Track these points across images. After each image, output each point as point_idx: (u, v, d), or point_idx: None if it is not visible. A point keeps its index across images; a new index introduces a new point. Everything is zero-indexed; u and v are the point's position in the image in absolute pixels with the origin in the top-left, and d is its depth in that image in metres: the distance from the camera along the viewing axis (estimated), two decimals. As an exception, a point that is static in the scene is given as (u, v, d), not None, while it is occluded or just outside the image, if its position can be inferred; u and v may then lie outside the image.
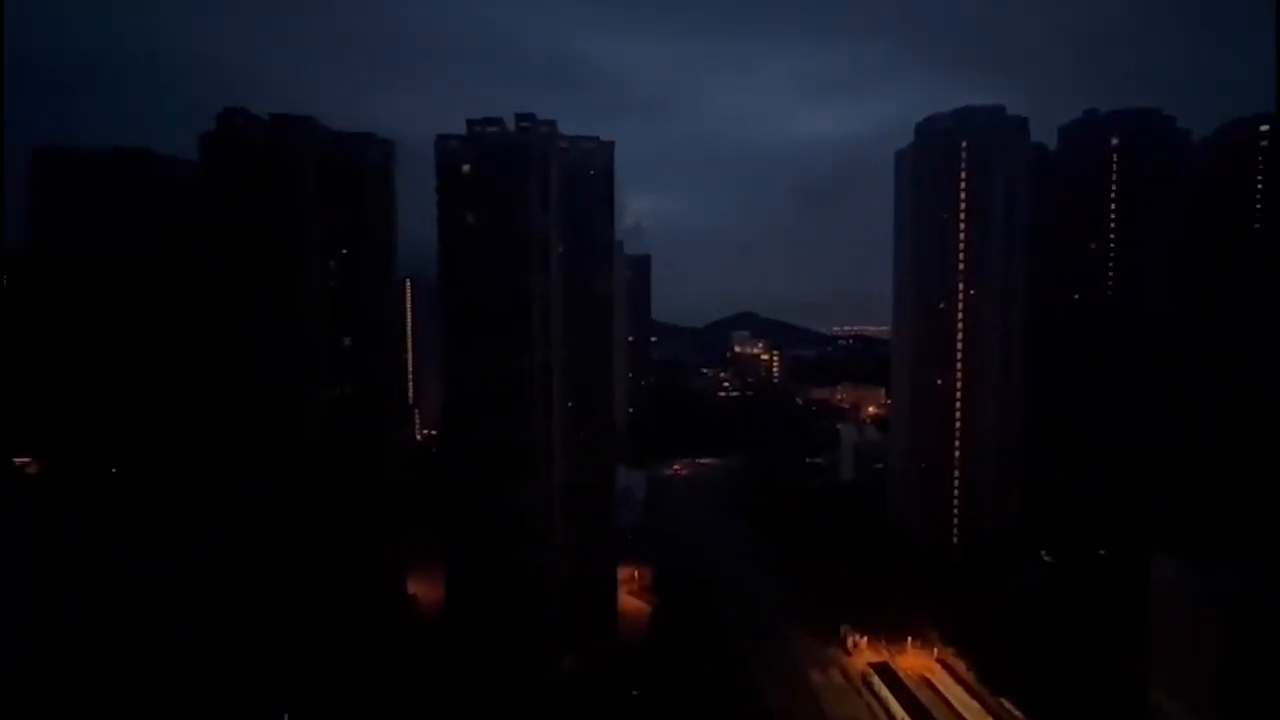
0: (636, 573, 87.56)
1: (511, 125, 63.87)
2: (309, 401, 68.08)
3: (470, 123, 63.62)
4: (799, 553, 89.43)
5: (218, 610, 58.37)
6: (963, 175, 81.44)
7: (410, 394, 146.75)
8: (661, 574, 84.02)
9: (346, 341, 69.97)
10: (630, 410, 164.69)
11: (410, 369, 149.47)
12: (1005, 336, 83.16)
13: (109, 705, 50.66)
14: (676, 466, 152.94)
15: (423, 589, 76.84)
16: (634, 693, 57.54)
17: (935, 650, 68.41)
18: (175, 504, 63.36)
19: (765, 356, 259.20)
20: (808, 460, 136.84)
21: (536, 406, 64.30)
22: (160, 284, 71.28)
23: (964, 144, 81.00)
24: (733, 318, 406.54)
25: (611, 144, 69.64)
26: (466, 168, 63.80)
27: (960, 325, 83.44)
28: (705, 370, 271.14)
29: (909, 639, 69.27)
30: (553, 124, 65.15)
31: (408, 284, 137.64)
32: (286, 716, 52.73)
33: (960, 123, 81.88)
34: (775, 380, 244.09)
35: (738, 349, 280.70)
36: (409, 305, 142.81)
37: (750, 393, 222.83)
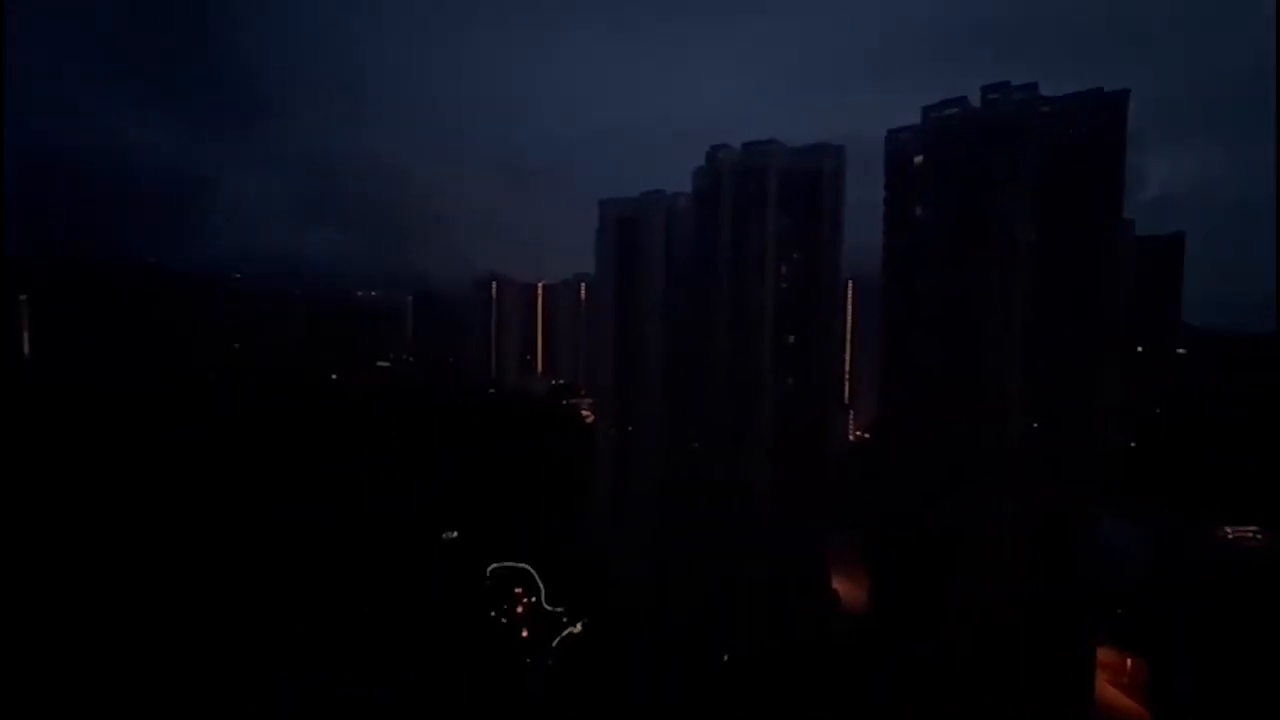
0: (1130, 662, 65.95)
1: (977, 101, 56.97)
2: (762, 393, 77.00)
3: (926, 110, 59.66)
4: None
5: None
6: None
7: (846, 394, 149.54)
8: (1162, 672, 60.88)
9: (791, 339, 76.23)
10: (1132, 445, 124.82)
11: (847, 369, 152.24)
12: None
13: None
14: (1234, 531, 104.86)
15: (844, 586, 77.78)
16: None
17: None
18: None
19: None
20: None
21: (984, 422, 55.95)
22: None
23: None
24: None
25: (1123, 95, 53.55)
26: (919, 158, 60.42)
27: None
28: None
29: None
30: (1031, 87, 54.71)
31: (849, 285, 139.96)
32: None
33: None
34: None
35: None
36: (849, 306, 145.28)
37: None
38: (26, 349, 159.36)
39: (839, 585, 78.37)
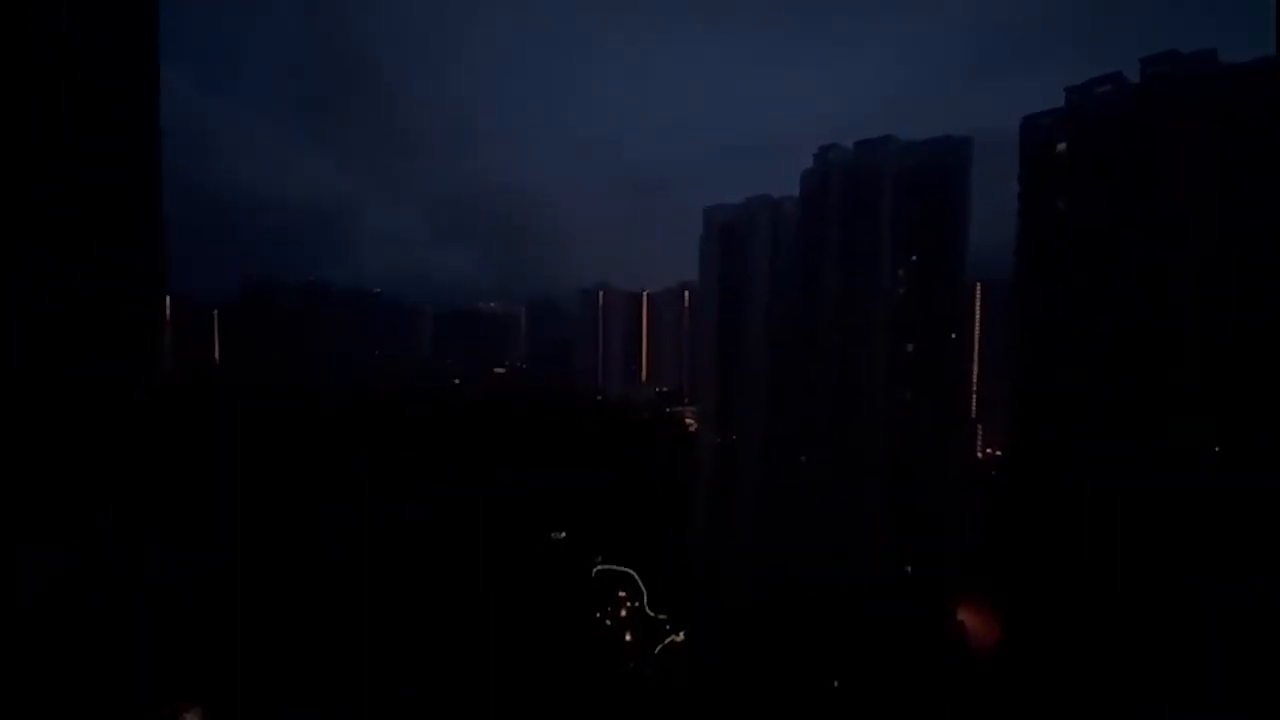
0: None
1: (1136, 76, 50.21)
2: (876, 406, 72.86)
3: (1070, 91, 53.57)
4: None
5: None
6: None
7: (973, 407, 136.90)
8: None
9: (909, 348, 71.31)
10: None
11: (974, 380, 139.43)
12: None
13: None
14: None
15: (970, 617, 70.96)
16: None
17: None
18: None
19: None
20: None
21: (1157, 443, 48.62)
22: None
23: None
24: None
25: (1334, 52, 44.74)
26: (1061, 146, 54.26)
27: None
28: None
29: None
30: (1208, 55, 47.25)
31: (977, 288, 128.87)
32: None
33: None
34: None
35: None
36: (977, 311, 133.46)
37: None
38: (217, 355, 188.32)
39: (965, 617, 71.63)
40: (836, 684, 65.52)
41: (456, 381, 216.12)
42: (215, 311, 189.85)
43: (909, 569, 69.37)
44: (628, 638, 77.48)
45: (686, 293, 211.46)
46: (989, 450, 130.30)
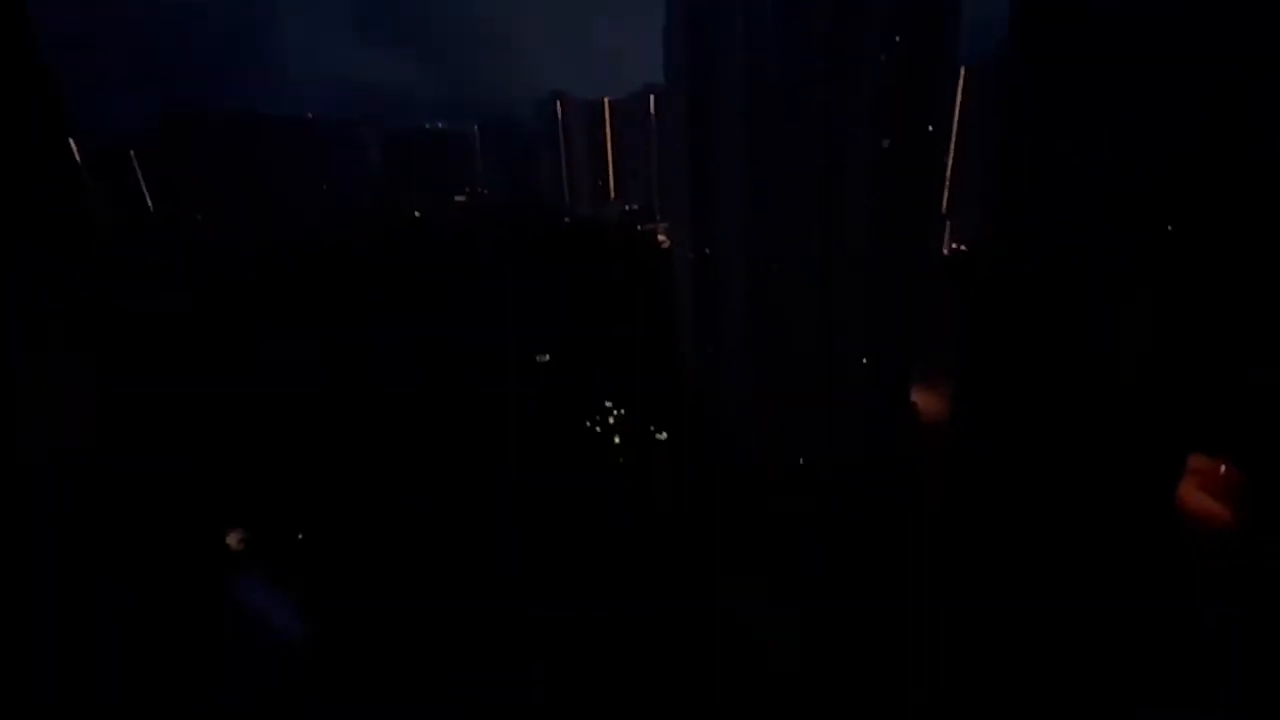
0: (1223, 469, 65.02)
1: None
2: (847, 207, 72.20)
3: None
4: None
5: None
6: None
7: (944, 201, 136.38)
8: (1260, 483, 59.83)
9: (885, 144, 68.54)
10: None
11: (949, 172, 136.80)
12: None
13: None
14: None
15: (923, 398, 79.46)
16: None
17: None
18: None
19: None
20: None
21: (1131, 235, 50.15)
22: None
23: None
24: None
25: None
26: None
27: None
28: None
29: None
30: None
31: (961, 72, 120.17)
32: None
33: None
34: None
35: None
36: (959, 97, 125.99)
37: None
38: (150, 204, 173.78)
39: (917, 396, 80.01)
40: (802, 460, 75.02)
41: (417, 214, 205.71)
42: (132, 153, 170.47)
43: (876, 360, 75.15)
44: (616, 440, 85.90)
45: (652, 97, 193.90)
46: (955, 245, 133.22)
